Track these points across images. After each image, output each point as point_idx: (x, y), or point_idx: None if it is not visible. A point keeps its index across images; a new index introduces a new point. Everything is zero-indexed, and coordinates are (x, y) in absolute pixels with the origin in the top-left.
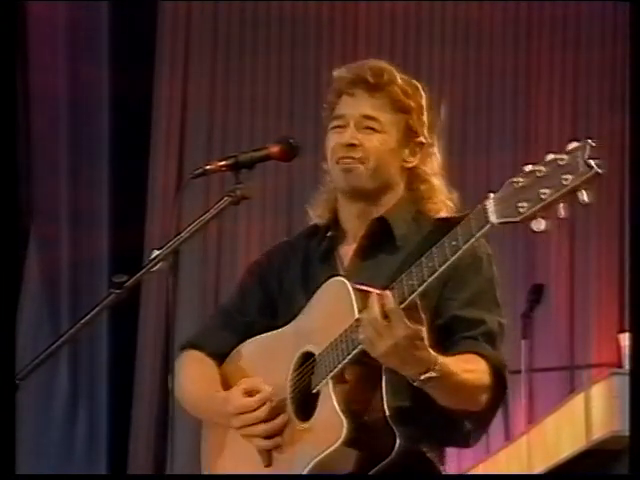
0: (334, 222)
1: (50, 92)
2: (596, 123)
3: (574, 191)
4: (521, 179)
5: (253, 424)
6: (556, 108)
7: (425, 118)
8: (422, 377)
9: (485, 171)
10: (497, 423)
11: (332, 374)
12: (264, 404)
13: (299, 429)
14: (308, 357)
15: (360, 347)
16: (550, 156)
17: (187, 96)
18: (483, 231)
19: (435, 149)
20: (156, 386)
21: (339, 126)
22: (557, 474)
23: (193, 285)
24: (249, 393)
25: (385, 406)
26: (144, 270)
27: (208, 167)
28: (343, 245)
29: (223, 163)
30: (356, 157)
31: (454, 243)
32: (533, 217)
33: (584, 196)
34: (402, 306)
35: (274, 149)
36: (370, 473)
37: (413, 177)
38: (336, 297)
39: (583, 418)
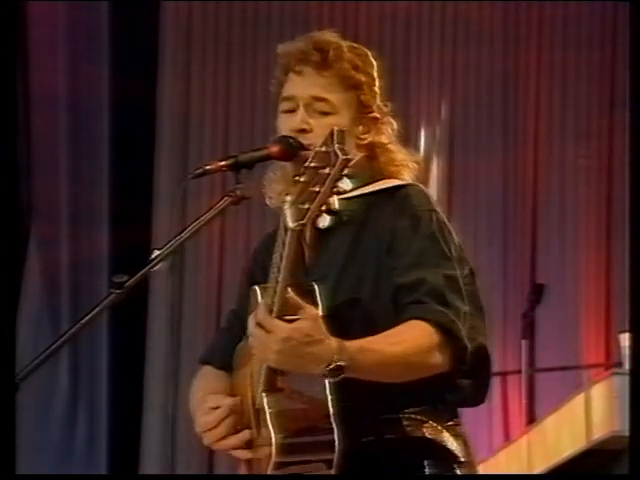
0: None
1: (50, 92)
2: (596, 123)
3: (336, 181)
4: (301, 177)
5: (218, 440)
6: (557, 108)
7: (377, 88)
8: (327, 369)
9: (487, 170)
10: (497, 423)
11: (261, 388)
12: (224, 419)
13: (257, 444)
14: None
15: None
16: (317, 147)
17: (190, 95)
18: (288, 238)
19: (389, 118)
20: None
21: (289, 109)
22: (557, 474)
23: (197, 285)
24: (213, 409)
25: (329, 405)
26: (144, 270)
27: (208, 167)
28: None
29: (223, 163)
30: (307, 143)
31: (275, 268)
32: (317, 215)
33: (347, 184)
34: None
35: (274, 149)
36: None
37: (370, 149)
38: (253, 305)
39: (583, 418)
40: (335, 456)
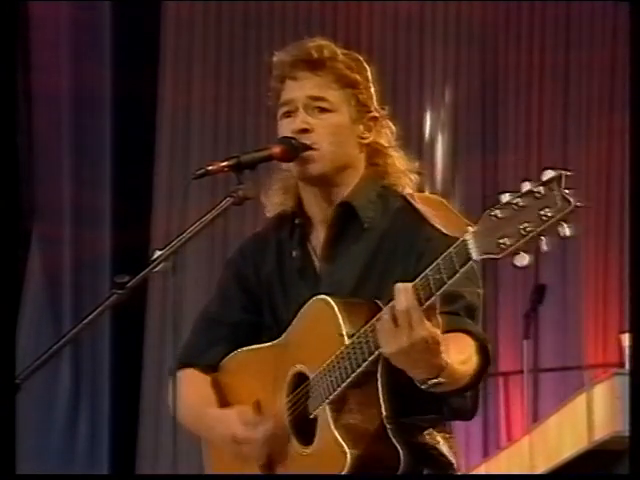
0: (299, 208)
1: (53, 92)
2: (596, 123)
3: (554, 226)
4: (499, 212)
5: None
6: (559, 108)
7: (373, 91)
8: (430, 382)
9: (488, 170)
10: (499, 423)
11: (329, 399)
12: (266, 436)
13: (301, 454)
14: (301, 378)
15: (359, 370)
16: (526, 186)
17: (191, 96)
18: (466, 267)
19: (388, 120)
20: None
21: (288, 112)
22: (559, 474)
23: (199, 286)
24: (247, 424)
25: (385, 422)
26: (146, 271)
27: (210, 168)
28: (312, 232)
29: (225, 164)
30: (309, 143)
31: (438, 277)
32: (515, 252)
33: (565, 230)
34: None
35: (276, 149)
36: None
37: (372, 152)
38: (321, 317)
39: (585, 418)
40: (401, 466)
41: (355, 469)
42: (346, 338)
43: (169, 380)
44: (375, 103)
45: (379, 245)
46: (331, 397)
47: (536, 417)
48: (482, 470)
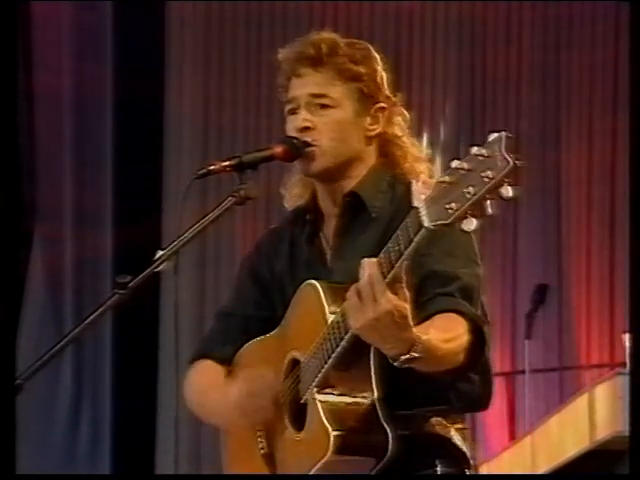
0: (312, 203)
1: (54, 92)
2: (596, 123)
3: (497, 187)
4: (447, 177)
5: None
6: (562, 108)
7: (381, 79)
8: (403, 358)
9: None
10: (501, 423)
11: (316, 382)
12: (269, 390)
13: (295, 439)
14: (296, 364)
15: (338, 350)
16: (473, 149)
17: (195, 95)
18: (419, 235)
19: (400, 107)
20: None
21: (292, 110)
22: (561, 474)
23: (191, 286)
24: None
25: (377, 405)
26: (148, 271)
27: (212, 167)
28: (325, 225)
29: (227, 163)
30: (310, 140)
31: (397, 248)
32: (463, 217)
33: (508, 192)
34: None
35: (278, 149)
36: (373, 472)
37: (383, 143)
38: (308, 300)
39: (587, 418)
40: (387, 457)
41: (339, 450)
42: (329, 320)
43: (186, 374)
44: (385, 92)
45: (385, 233)
46: (317, 380)
47: (538, 417)
48: (484, 470)
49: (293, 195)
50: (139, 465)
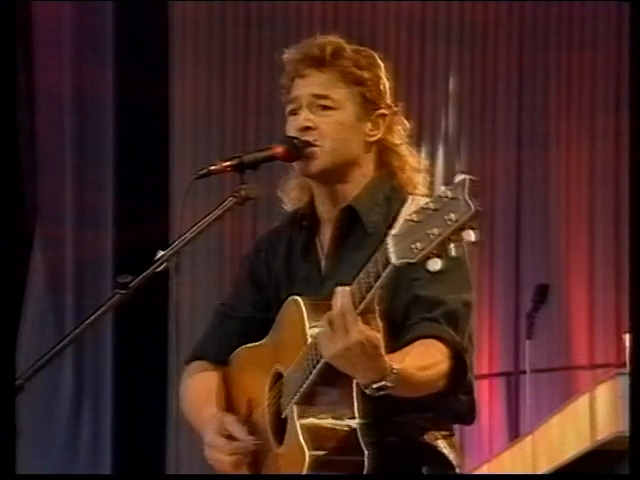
0: (310, 209)
1: (55, 92)
2: (596, 123)
3: (459, 230)
4: (415, 216)
5: (222, 464)
6: (562, 108)
7: (383, 87)
8: (375, 386)
9: (490, 170)
10: (501, 423)
11: (295, 399)
12: (238, 455)
13: (275, 453)
14: (279, 377)
15: (318, 368)
16: (440, 190)
17: (198, 96)
18: (387, 271)
19: (401, 117)
20: None
21: (293, 110)
22: (561, 474)
23: (208, 286)
24: (230, 438)
25: (356, 421)
26: (149, 271)
27: (212, 167)
28: (321, 231)
29: (227, 163)
30: (311, 140)
31: (367, 280)
32: (428, 257)
33: (470, 235)
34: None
35: (278, 149)
36: None
37: (382, 151)
38: (291, 316)
39: (588, 418)
40: (364, 472)
41: (315, 471)
42: (309, 338)
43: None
44: (387, 99)
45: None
46: (296, 397)
47: (539, 417)
48: (485, 470)
49: (291, 198)
50: (139, 465)
